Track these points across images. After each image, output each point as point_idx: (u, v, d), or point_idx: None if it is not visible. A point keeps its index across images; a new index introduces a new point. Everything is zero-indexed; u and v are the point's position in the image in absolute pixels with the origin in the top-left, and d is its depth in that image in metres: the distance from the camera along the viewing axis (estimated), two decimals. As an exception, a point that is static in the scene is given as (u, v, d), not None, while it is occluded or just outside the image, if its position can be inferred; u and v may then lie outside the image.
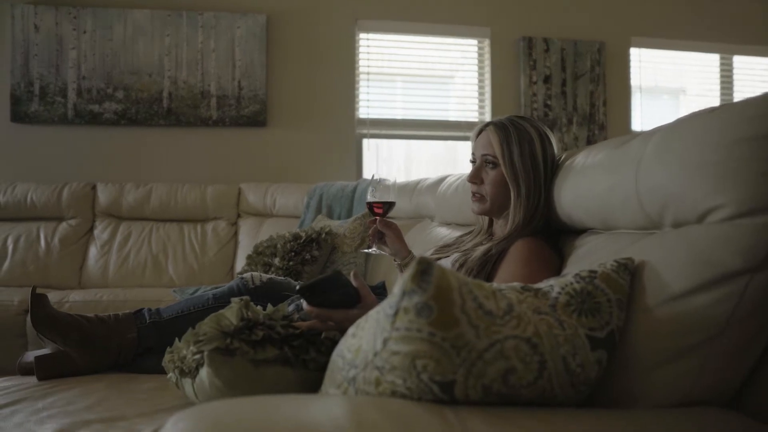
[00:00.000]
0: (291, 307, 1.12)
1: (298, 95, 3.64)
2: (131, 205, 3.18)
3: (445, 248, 1.41)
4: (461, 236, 1.46)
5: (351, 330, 0.75)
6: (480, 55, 3.95)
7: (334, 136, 3.70)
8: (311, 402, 0.64)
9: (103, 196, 3.19)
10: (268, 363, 0.85)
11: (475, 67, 3.96)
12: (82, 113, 3.35)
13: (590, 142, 3.92)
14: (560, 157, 1.35)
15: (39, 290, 1.38)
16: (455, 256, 1.31)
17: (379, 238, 1.59)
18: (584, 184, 1.15)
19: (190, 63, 3.47)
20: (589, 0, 4.00)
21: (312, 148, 3.65)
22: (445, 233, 2.21)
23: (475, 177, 1.31)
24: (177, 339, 1.05)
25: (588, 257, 1.10)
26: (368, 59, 3.78)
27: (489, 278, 1.21)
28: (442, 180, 2.47)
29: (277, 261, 2.53)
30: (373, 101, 3.80)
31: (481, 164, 1.31)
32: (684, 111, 4.60)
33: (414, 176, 4.21)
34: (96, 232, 3.14)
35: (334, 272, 0.87)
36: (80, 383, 1.24)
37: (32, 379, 1.31)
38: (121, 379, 1.28)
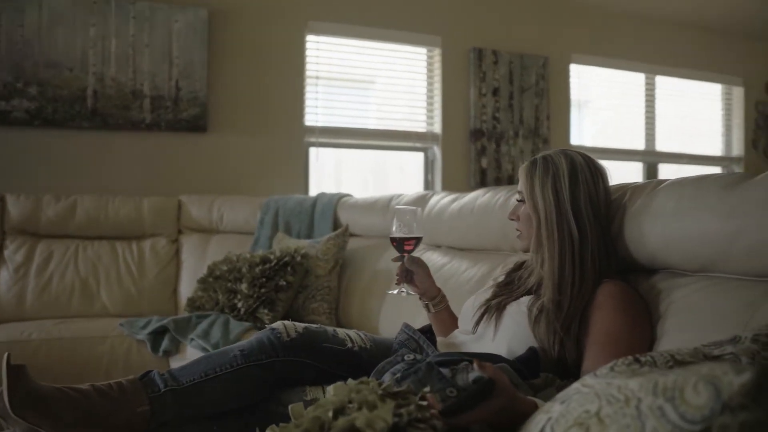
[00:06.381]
0: (386, 378, 0.93)
1: (242, 99, 3.33)
2: (52, 221, 2.72)
3: (507, 288, 1.27)
4: (513, 271, 1.33)
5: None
6: (430, 64, 3.87)
7: (281, 143, 3.43)
8: None
9: (15, 210, 2.69)
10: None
11: (425, 76, 3.87)
12: (-15, 111, 2.83)
13: (534, 155, 3.97)
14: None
15: None
16: (527, 301, 1.18)
17: (407, 277, 1.43)
18: (684, 227, 1.06)
19: (120, 58, 3.05)
20: (535, 15, 4.06)
21: (257, 156, 3.36)
22: (440, 259, 2.06)
23: (512, 214, 1.31)
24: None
25: (706, 306, 1.00)
26: (317, 63, 3.56)
27: (580, 326, 1.09)
28: (425, 198, 2.33)
29: (244, 287, 2.25)
30: (321, 108, 3.58)
31: (518, 202, 1.31)
32: (616, 125, 4.82)
33: (344, 187, 3.90)
34: (7, 253, 2.64)
35: (480, 386, 0.72)
36: (86, 481, 0.96)
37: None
38: (138, 469, 1.01)
